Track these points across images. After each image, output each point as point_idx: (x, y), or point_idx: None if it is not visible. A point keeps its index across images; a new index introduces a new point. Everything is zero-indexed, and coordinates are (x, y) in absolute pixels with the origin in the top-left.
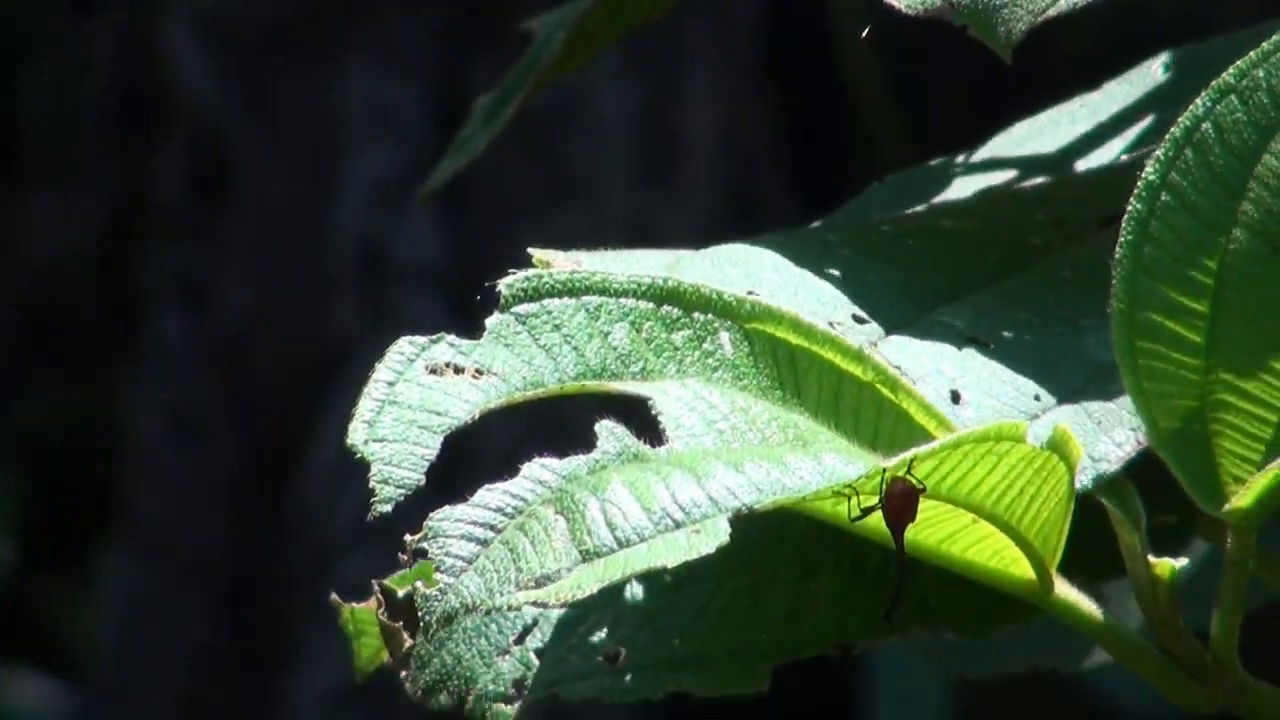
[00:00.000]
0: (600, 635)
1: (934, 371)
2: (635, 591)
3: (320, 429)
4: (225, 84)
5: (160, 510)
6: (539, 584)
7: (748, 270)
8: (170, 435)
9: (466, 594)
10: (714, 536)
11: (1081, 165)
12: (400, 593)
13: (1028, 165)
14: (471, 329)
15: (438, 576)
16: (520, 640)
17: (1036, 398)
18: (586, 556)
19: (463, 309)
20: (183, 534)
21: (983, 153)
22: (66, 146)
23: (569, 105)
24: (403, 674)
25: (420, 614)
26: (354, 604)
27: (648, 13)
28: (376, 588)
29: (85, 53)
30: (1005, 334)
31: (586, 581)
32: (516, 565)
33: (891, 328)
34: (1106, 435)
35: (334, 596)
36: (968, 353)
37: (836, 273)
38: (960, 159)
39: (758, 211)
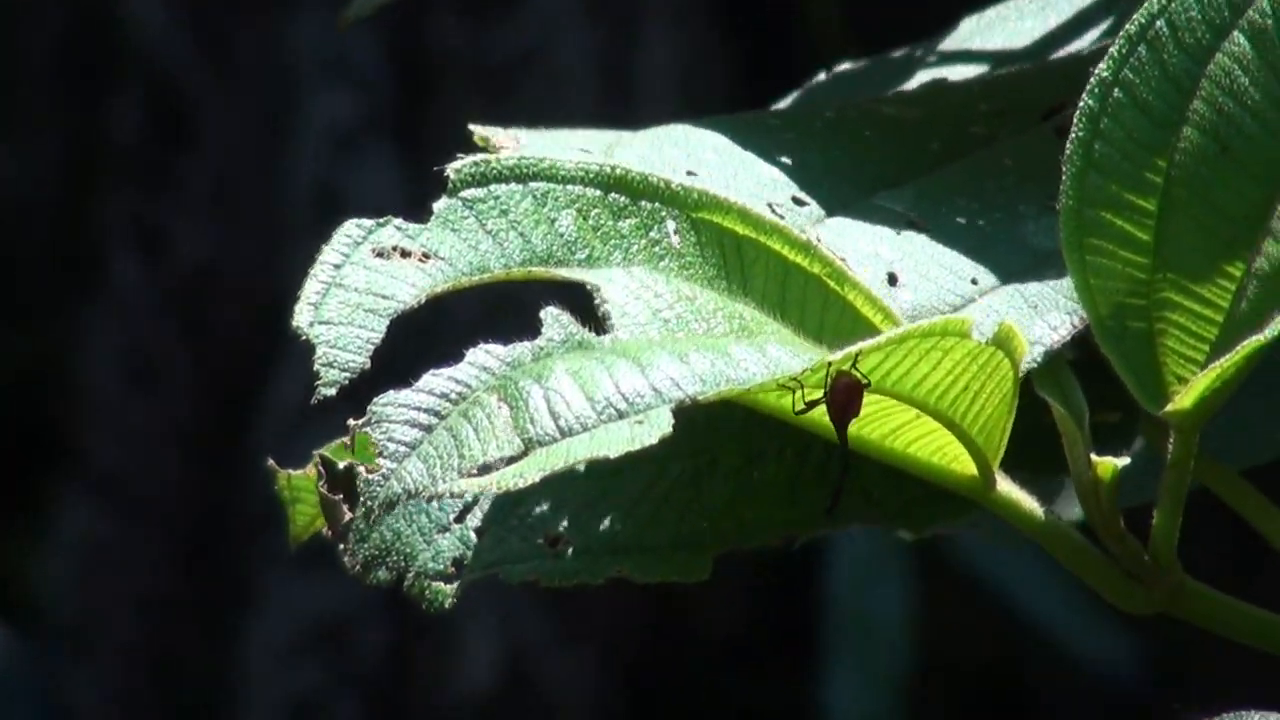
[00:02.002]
0: (541, 517)
1: (871, 255)
2: (577, 476)
3: (277, 373)
4: (181, 28)
5: (116, 455)
6: (481, 471)
7: (688, 150)
8: (126, 380)
9: (409, 479)
10: (657, 427)
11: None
12: (341, 465)
13: (977, 59)
14: None
15: (380, 461)
16: (461, 518)
17: (973, 281)
18: (529, 445)
19: None
20: (139, 479)
21: (934, 47)
22: (22, 91)
23: (527, 52)
24: (341, 547)
25: (362, 498)
26: (291, 470)
27: None
28: (317, 458)
29: None
30: (944, 218)
31: (529, 470)
32: (459, 452)
33: (831, 210)
34: (1042, 318)
35: (270, 462)
36: (906, 236)
37: (778, 155)
38: (908, 51)
39: None
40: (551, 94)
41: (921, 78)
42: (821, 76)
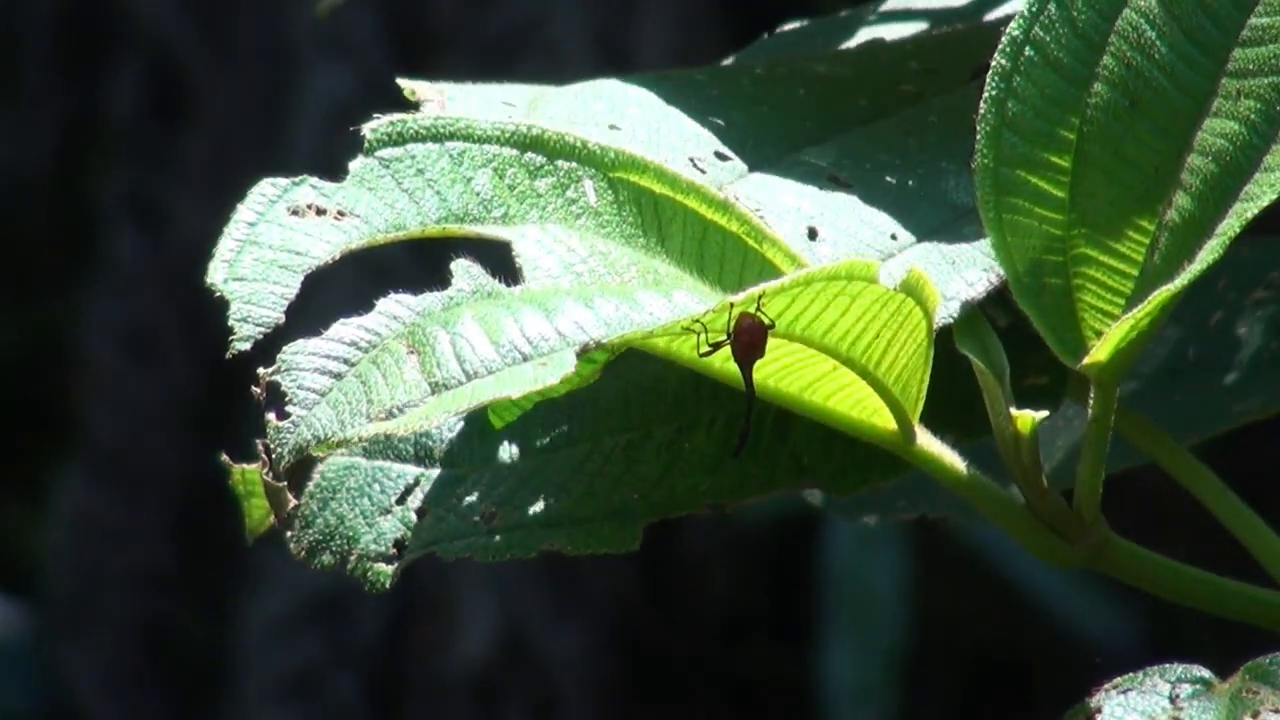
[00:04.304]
0: (478, 496)
1: (793, 209)
2: (513, 454)
3: (274, 349)
4: (180, 3)
5: (115, 429)
6: (389, 416)
7: (611, 105)
8: (125, 355)
9: (319, 425)
10: (560, 368)
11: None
12: None
13: (916, 18)
14: (428, 260)
15: (290, 409)
16: (402, 500)
17: (893, 236)
18: (436, 389)
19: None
20: (137, 453)
21: (877, 6)
22: (20, 66)
23: (523, 27)
24: (287, 534)
25: (272, 446)
26: (244, 465)
27: None
28: (260, 448)
29: None
30: (867, 175)
31: (434, 412)
32: (368, 397)
33: (754, 166)
34: (960, 274)
35: (224, 456)
36: (828, 191)
37: (703, 111)
38: (853, 11)
39: None
40: (549, 67)
41: (862, 36)
42: (765, 37)
